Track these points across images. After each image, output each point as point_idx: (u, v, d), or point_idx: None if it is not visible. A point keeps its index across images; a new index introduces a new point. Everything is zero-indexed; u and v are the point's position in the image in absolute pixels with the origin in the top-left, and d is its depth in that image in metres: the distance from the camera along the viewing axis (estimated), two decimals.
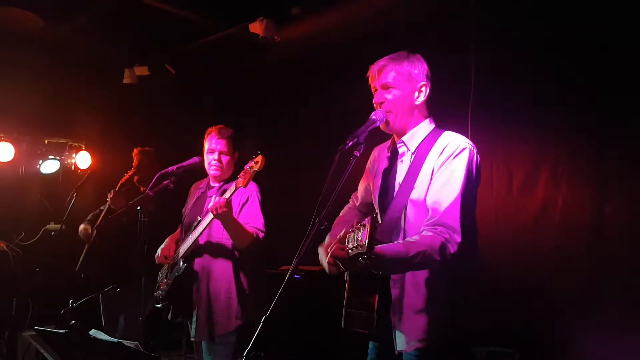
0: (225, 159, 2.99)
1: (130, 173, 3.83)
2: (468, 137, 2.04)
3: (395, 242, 1.86)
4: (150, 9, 4.03)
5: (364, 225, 1.62)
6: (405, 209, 1.97)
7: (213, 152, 2.98)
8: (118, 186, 3.85)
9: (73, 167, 4.93)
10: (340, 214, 2.36)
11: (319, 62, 4.46)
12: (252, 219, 2.88)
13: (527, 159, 3.48)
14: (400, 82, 2.02)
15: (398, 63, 2.03)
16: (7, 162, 4.56)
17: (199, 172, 3.18)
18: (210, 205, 2.67)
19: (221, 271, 2.88)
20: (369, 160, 2.31)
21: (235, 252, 2.89)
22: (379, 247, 1.73)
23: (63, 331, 2.07)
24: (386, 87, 2.04)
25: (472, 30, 3.55)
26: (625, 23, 3.01)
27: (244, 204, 2.92)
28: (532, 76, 3.38)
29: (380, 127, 2.07)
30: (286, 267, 3.99)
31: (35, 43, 4.54)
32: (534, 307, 3.29)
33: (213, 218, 2.73)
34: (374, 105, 2.07)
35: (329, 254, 1.79)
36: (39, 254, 4.44)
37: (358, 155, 1.90)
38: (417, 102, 2.05)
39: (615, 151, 3.15)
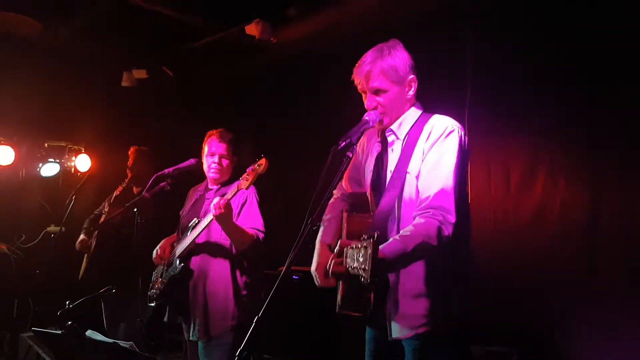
0: (225, 162, 2.99)
1: (124, 185, 3.80)
2: (465, 133, 2.02)
3: (392, 238, 1.83)
4: (147, 12, 4.04)
5: (366, 248, 1.60)
6: (400, 197, 1.96)
7: (213, 155, 2.98)
8: (113, 198, 3.80)
9: (73, 169, 4.94)
10: (326, 212, 2.30)
11: (316, 63, 4.47)
12: (251, 220, 2.89)
13: (524, 156, 3.49)
14: (390, 84, 2.00)
15: (382, 61, 1.99)
16: (8, 165, 4.58)
17: (196, 175, 3.19)
18: (211, 205, 2.66)
19: (218, 271, 2.88)
20: (357, 144, 2.26)
21: (233, 252, 2.88)
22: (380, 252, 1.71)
23: (59, 332, 2.08)
24: (377, 92, 2.02)
25: (469, 27, 3.56)
26: (624, 21, 3.01)
27: (242, 205, 2.93)
28: (529, 73, 3.39)
29: (379, 126, 2.07)
30: (280, 267, 4.00)
31: (35, 47, 4.57)
32: (532, 306, 3.29)
33: (212, 219, 2.72)
34: (367, 109, 2.05)
35: (329, 271, 1.79)
36: (40, 256, 4.45)
37: (351, 156, 1.90)
38: (409, 96, 2.06)
39: (612, 149, 3.15)
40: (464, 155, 1.95)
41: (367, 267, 1.57)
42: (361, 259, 1.60)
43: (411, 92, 2.04)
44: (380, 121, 2.05)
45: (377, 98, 2.02)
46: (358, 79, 2.04)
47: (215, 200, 2.66)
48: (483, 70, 3.50)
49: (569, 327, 3.09)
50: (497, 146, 3.57)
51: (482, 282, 3.15)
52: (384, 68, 1.99)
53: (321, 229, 2.22)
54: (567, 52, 3.24)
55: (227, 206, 2.65)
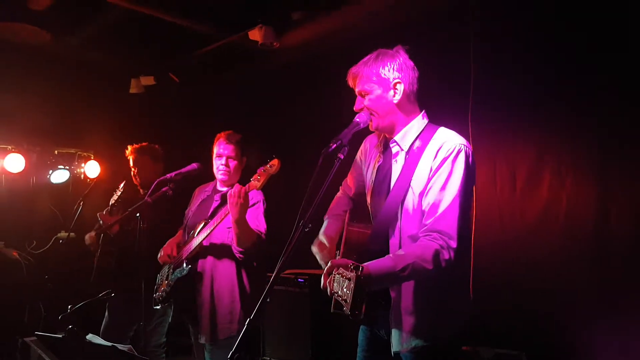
0: (232, 163, 3.02)
1: (118, 191, 3.67)
2: (469, 137, 2.02)
3: (386, 256, 1.84)
4: (153, 20, 4.09)
5: (349, 280, 1.60)
6: (401, 211, 1.95)
7: (221, 156, 3.02)
8: (110, 207, 3.70)
9: (82, 176, 5.03)
10: (332, 205, 2.36)
11: (319, 68, 4.48)
12: (255, 222, 2.90)
13: (530, 157, 3.44)
14: (371, 87, 2.03)
15: (366, 66, 2.03)
16: (18, 172, 4.67)
17: (198, 179, 3.21)
18: (231, 191, 2.67)
19: (225, 274, 2.89)
20: (359, 150, 2.31)
21: (238, 254, 2.89)
22: (365, 266, 1.73)
23: (60, 336, 2.11)
24: (362, 94, 2.06)
25: (471, 28, 3.54)
26: (628, 20, 2.97)
27: (250, 207, 2.93)
28: (533, 74, 3.35)
29: (370, 129, 2.09)
30: (287, 270, 4.00)
31: (44, 56, 4.65)
32: (540, 308, 3.24)
33: (219, 222, 2.74)
34: (355, 110, 2.09)
35: (321, 286, 1.83)
36: (51, 262, 4.52)
37: (342, 157, 1.91)
38: (395, 101, 2.03)
39: (619, 149, 3.10)
40: (470, 176, 1.94)
41: (348, 301, 1.59)
42: (345, 290, 1.63)
43: (397, 97, 2.02)
44: (370, 123, 2.06)
45: (363, 101, 2.06)
46: (350, 83, 2.11)
47: (235, 188, 2.66)
48: (486, 69, 3.47)
49: (577, 330, 3.04)
50: (501, 147, 3.53)
51: (490, 284, 3.14)
52: (365, 72, 2.03)
53: (325, 222, 2.28)
54: (573, 51, 3.20)
55: (246, 197, 2.65)
